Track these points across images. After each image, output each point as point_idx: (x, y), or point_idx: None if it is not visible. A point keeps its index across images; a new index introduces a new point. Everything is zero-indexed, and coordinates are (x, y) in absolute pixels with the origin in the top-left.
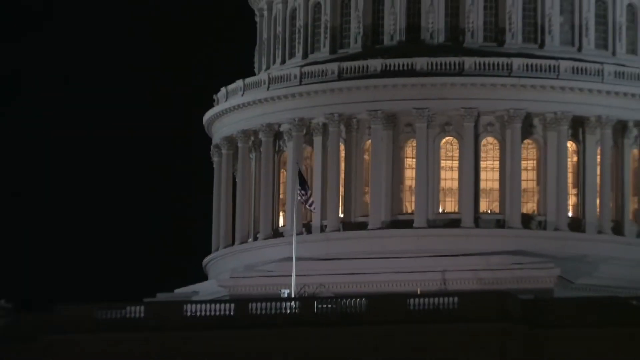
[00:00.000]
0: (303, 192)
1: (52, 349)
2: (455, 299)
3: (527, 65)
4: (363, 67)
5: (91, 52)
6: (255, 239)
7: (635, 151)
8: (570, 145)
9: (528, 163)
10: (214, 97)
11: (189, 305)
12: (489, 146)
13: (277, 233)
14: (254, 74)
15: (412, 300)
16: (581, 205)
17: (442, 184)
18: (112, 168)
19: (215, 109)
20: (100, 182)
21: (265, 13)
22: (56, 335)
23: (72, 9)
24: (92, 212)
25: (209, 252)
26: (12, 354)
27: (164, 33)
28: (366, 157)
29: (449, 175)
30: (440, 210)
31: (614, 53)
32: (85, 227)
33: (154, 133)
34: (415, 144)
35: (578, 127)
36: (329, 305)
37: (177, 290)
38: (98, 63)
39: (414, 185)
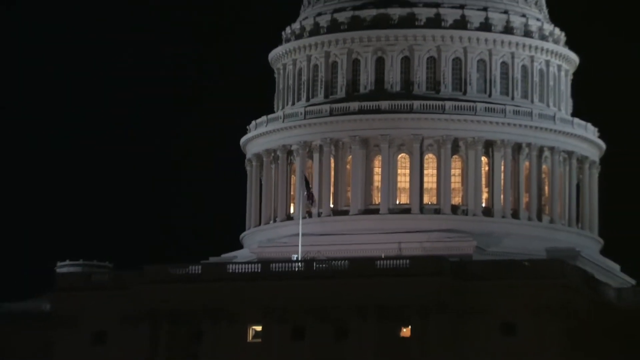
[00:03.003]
0: (306, 192)
1: (140, 296)
2: (407, 261)
3: (454, 106)
4: (346, 107)
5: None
6: (275, 221)
7: (527, 163)
8: (484, 159)
9: (455, 171)
10: (247, 127)
11: (231, 265)
12: (430, 160)
13: (289, 217)
14: (273, 112)
15: (378, 262)
16: (491, 198)
17: (399, 184)
18: (181, 181)
19: (248, 135)
20: (171, 188)
21: (281, 71)
22: (142, 286)
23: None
24: (170, 203)
25: (244, 230)
26: (112, 300)
27: (216, 89)
28: (348, 167)
29: (403, 179)
30: (397, 202)
31: (512, 98)
32: (166, 213)
33: (208, 152)
34: (380, 158)
35: (489, 147)
36: (323, 265)
37: (223, 255)
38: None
39: (380, 185)
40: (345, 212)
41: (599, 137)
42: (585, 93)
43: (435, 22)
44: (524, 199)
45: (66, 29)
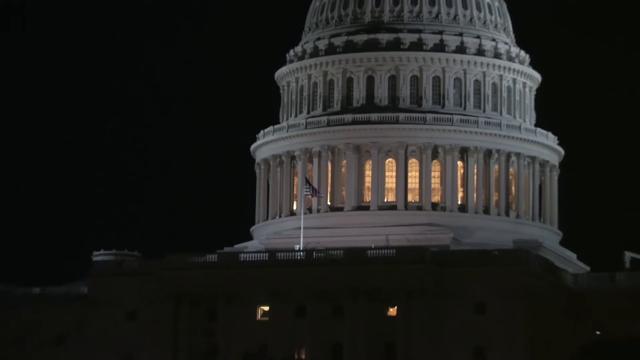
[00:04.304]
0: (309, 190)
1: (164, 280)
2: (394, 250)
3: (434, 118)
4: (341, 119)
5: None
6: (280, 216)
7: (496, 167)
8: (459, 163)
9: (435, 173)
10: (257, 136)
11: (243, 254)
12: (413, 164)
13: (292, 213)
14: (279, 123)
15: (369, 251)
16: (465, 197)
17: (386, 185)
18: (198, 181)
19: (258, 142)
20: (189, 189)
21: (286, 88)
22: (166, 272)
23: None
24: (190, 201)
25: (253, 224)
26: (140, 284)
27: (232, 105)
28: (343, 170)
29: (390, 180)
30: (385, 200)
31: (484, 111)
32: (186, 209)
33: (222, 157)
34: (371, 163)
35: (464, 153)
36: (322, 254)
37: (236, 245)
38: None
39: (370, 186)
40: (341, 209)
41: (559, 144)
42: (547, 106)
43: (417, 46)
44: (494, 197)
45: (74, 34)
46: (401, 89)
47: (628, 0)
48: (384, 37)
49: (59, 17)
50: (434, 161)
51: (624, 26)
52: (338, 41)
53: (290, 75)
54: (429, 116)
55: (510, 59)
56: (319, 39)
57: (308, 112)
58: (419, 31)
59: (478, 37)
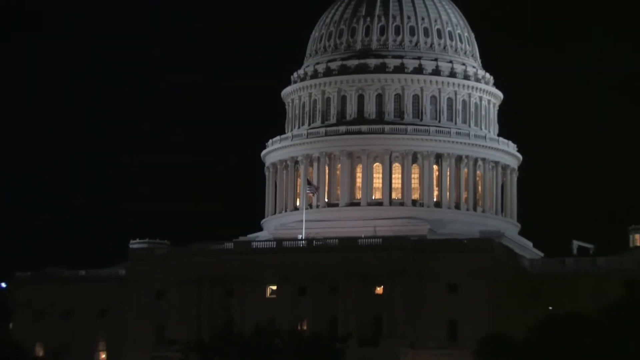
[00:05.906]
0: (309, 189)
1: (189, 265)
2: (380, 240)
3: (414, 129)
4: (337, 130)
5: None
6: (285, 211)
7: (466, 170)
8: (435, 167)
9: (414, 175)
10: (266, 144)
11: (254, 243)
12: (396, 167)
13: (295, 208)
14: (285, 133)
15: (360, 240)
16: (440, 195)
17: (374, 185)
18: (215, 183)
19: (267, 150)
20: (206, 190)
21: (290, 104)
22: (191, 257)
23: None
24: (209, 199)
25: (264, 217)
26: (169, 268)
27: (243, 116)
28: (338, 172)
29: (377, 181)
30: (373, 197)
31: (455, 123)
32: (208, 205)
33: (237, 161)
34: (361, 166)
35: (438, 158)
36: (320, 243)
37: (249, 235)
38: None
39: (360, 185)
40: (336, 205)
41: (518, 151)
42: (508, 119)
43: (400, 69)
44: (464, 195)
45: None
46: (386, 105)
47: (577, 20)
48: (372, 62)
49: (65, 19)
50: (413, 165)
51: (575, 50)
52: (334, 65)
53: (294, 94)
54: (409, 128)
55: (477, 80)
56: (318, 63)
57: (309, 124)
58: (401, 57)
59: (450, 62)
